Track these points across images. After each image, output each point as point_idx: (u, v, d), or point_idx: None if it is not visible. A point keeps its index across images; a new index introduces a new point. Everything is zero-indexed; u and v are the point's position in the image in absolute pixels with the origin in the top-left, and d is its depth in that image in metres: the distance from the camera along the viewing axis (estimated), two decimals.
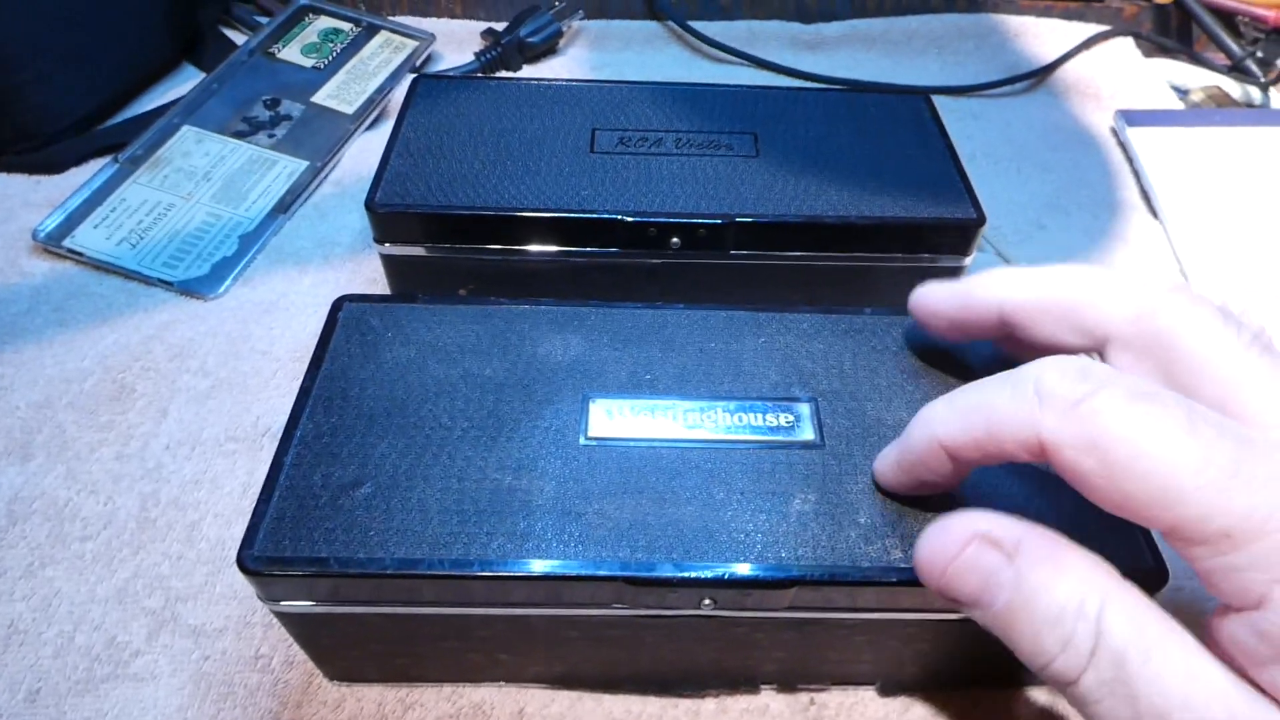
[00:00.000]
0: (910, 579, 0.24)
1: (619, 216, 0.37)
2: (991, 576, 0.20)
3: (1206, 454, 0.18)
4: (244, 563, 0.24)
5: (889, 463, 0.25)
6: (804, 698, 0.31)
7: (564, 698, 0.30)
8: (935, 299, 0.27)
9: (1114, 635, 0.19)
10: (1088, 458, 0.19)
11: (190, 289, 0.43)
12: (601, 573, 0.24)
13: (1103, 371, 0.19)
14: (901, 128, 0.42)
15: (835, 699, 0.31)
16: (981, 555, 0.21)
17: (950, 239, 0.38)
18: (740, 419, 0.28)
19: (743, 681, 0.31)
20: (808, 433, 0.27)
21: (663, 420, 0.27)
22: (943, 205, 0.38)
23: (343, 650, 0.29)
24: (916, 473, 0.24)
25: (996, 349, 0.29)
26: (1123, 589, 0.20)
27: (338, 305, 0.31)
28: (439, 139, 0.40)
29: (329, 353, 0.29)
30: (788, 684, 0.31)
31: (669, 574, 0.24)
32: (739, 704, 0.31)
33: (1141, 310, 0.22)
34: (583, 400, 0.28)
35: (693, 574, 0.24)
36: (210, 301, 0.43)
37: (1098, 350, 0.23)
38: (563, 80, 0.44)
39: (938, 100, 0.45)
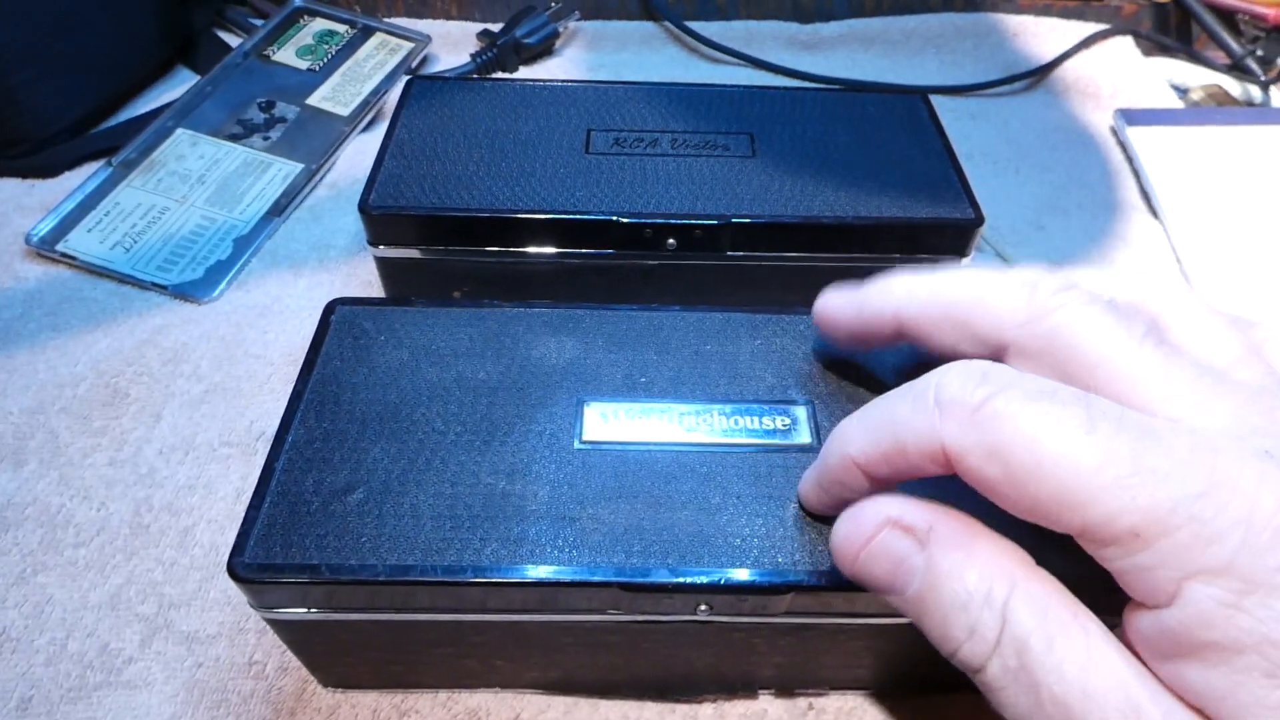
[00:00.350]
0: None
1: (614, 218, 0.36)
2: (902, 563, 0.20)
3: (1107, 450, 0.17)
4: (235, 570, 0.24)
5: (810, 484, 0.24)
6: (802, 703, 0.30)
7: (560, 703, 0.30)
8: (833, 307, 0.26)
9: (1018, 623, 0.18)
10: (991, 464, 0.18)
11: (184, 293, 0.43)
12: (596, 579, 0.24)
13: (1003, 374, 0.19)
14: (899, 127, 0.42)
15: (834, 704, 0.31)
16: (892, 542, 0.20)
17: (948, 239, 0.38)
18: (736, 422, 0.27)
19: (740, 687, 0.30)
20: (805, 436, 0.27)
21: (658, 423, 0.27)
22: (941, 205, 0.38)
23: (337, 657, 0.29)
24: (835, 492, 0.23)
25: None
26: (1032, 576, 0.19)
27: (330, 309, 0.30)
28: (433, 141, 0.40)
29: (321, 357, 0.29)
30: (786, 689, 0.31)
31: (664, 580, 0.24)
32: (736, 709, 0.30)
33: (1033, 313, 0.21)
34: (577, 404, 0.28)
35: (688, 580, 0.24)
36: (204, 305, 0.43)
37: (996, 358, 0.22)
38: (558, 81, 0.44)
39: (936, 100, 0.45)
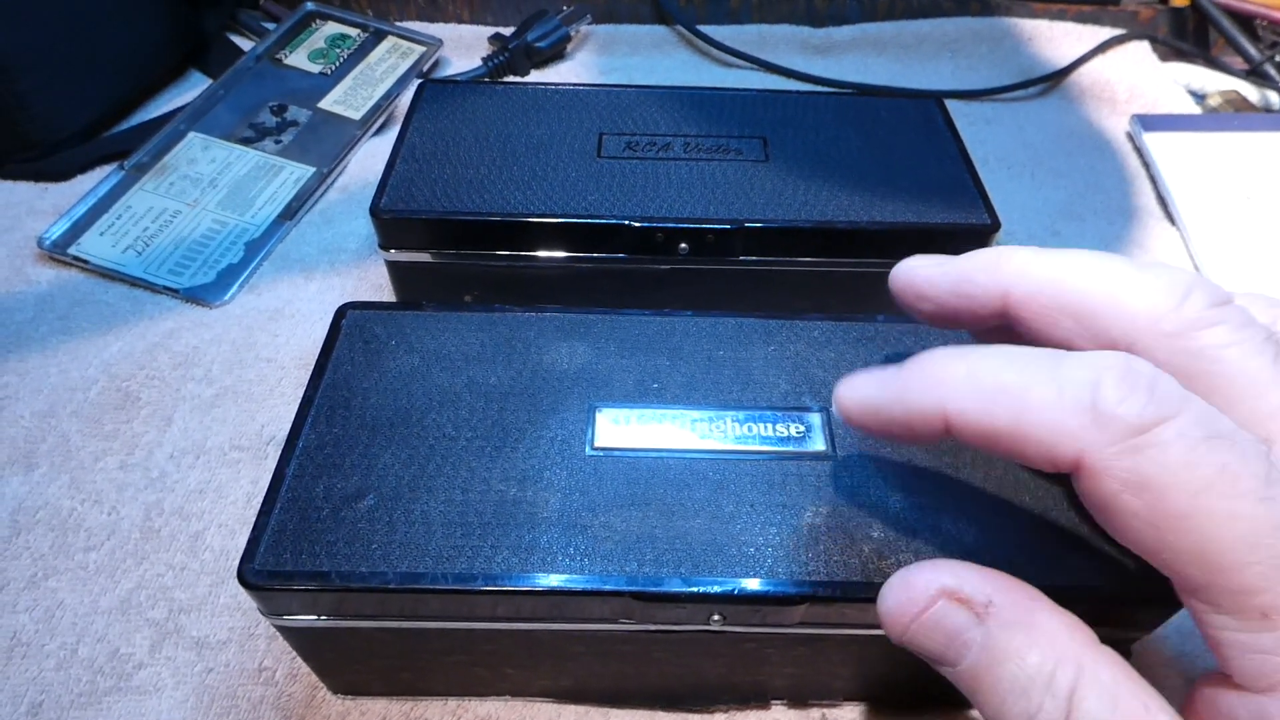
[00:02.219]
0: None
1: (626, 222, 0.36)
2: (957, 636, 0.19)
3: (1274, 522, 0.15)
4: (244, 577, 0.24)
5: (862, 401, 0.20)
6: (815, 714, 0.30)
7: (571, 712, 0.30)
8: (925, 277, 0.22)
9: (1086, 712, 0.17)
10: (1134, 497, 0.16)
11: (196, 296, 0.43)
12: (608, 588, 0.24)
13: (1172, 392, 0.16)
14: (913, 131, 0.41)
15: (848, 715, 0.30)
16: (948, 615, 0.19)
17: (964, 245, 0.36)
18: (750, 429, 0.27)
19: (753, 697, 0.30)
20: (819, 443, 0.27)
21: (670, 430, 0.27)
22: (956, 210, 0.37)
23: (346, 664, 0.28)
24: (893, 429, 0.20)
25: None
26: (1099, 659, 0.18)
27: (341, 313, 0.30)
28: (445, 144, 0.39)
29: (332, 361, 0.29)
30: (799, 699, 0.30)
31: (677, 589, 0.24)
32: (751, 717, 0.30)
33: (1181, 325, 0.18)
34: (589, 410, 0.27)
35: (701, 589, 0.24)
36: (216, 309, 0.43)
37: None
38: (569, 85, 0.44)
39: (950, 104, 0.44)
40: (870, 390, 0.20)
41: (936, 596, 0.19)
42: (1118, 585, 0.24)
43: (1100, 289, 0.19)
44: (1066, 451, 0.17)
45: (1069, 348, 0.20)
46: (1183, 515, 0.16)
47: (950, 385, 0.18)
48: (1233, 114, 0.56)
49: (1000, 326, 0.21)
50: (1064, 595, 0.22)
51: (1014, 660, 0.18)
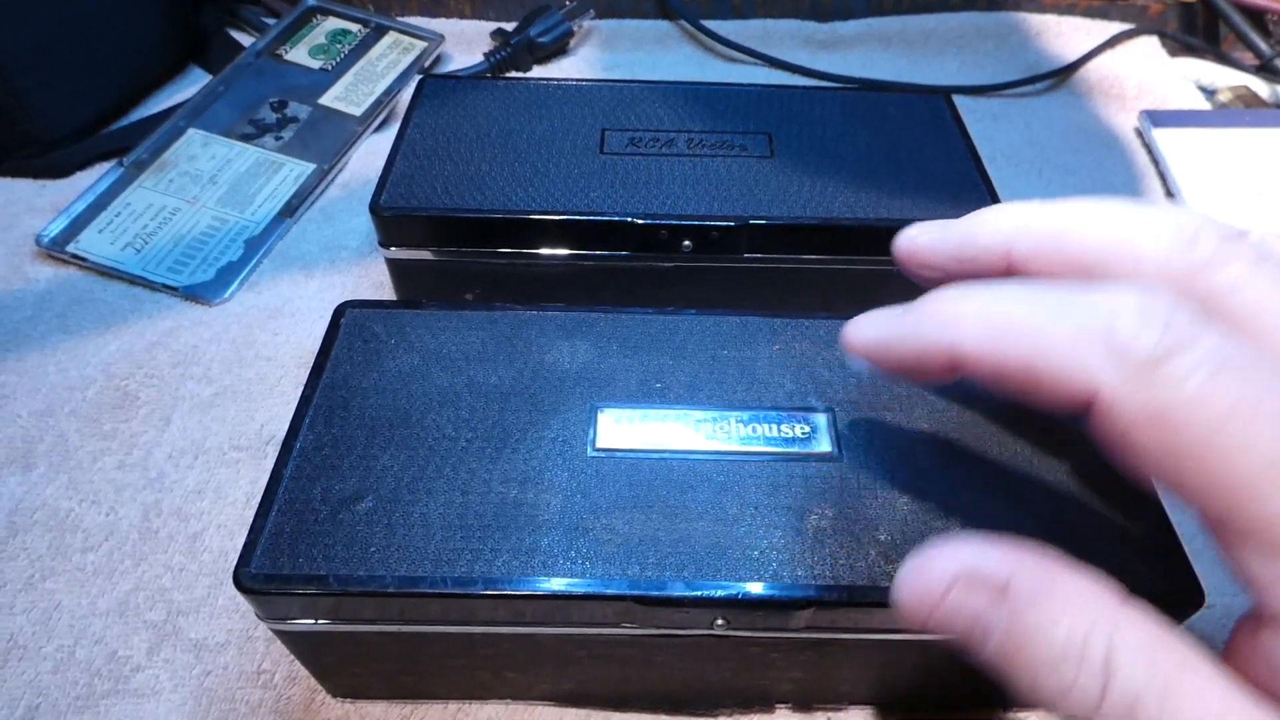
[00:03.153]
0: None
1: (629, 219, 0.36)
2: (979, 620, 0.18)
3: None
4: (241, 580, 0.23)
5: (873, 338, 0.20)
6: (820, 718, 0.30)
7: (572, 716, 0.30)
8: (927, 244, 0.22)
9: (1125, 678, 0.16)
10: (1149, 430, 0.16)
11: (195, 294, 0.43)
12: (610, 591, 0.23)
13: (1189, 322, 0.16)
14: (921, 128, 0.41)
15: (853, 719, 0.30)
16: (967, 600, 0.18)
17: None
18: (754, 429, 0.27)
19: (757, 701, 0.30)
20: (825, 444, 0.26)
21: (673, 431, 0.27)
22: (964, 207, 0.36)
23: (345, 668, 0.28)
24: (905, 364, 0.20)
25: None
26: (1131, 618, 0.17)
27: (340, 311, 0.30)
28: (445, 141, 0.39)
29: (330, 361, 0.28)
30: (804, 704, 0.30)
31: (680, 593, 0.23)
32: None
33: (1193, 265, 0.18)
34: (591, 410, 0.27)
35: (704, 594, 0.23)
36: (215, 307, 0.42)
37: None
38: (572, 80, 0.43)
39: (957, 100, 0.44)
40: (881, 326, 0.20)
41: (954, 581, 0.18)
42: (1133, 588, 0.23)
43: (1105, 236, 0.19)
44: (1081, 387, 0.16)
45: None
46: (1200, 446, 0.15)
47: (962, 322, 0.18)
48: (1243, 110, 0.56)
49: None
50: None
51: (1042, 636, 0.17)
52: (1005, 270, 0.20)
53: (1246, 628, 0.17)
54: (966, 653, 0.19)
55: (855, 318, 0.21)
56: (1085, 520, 0.24)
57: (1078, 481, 0.25)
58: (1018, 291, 0.18)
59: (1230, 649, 0.18)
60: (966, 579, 0.18)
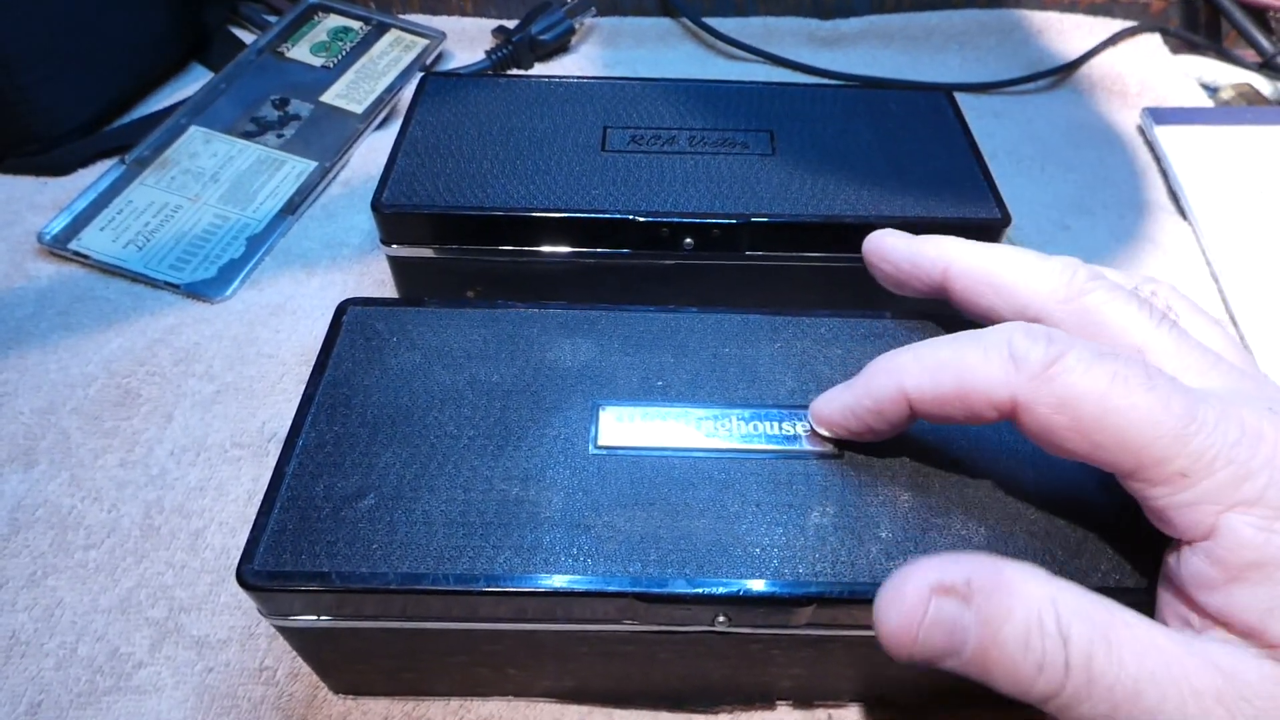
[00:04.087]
0: None
1: (630, 216, 0.36)
2: (955, 626, 0.20)
3: (1166, 403, 0.20)
4: (243, 577, 0.23)
5: (837, 407, 0.25)
6: (821, 715, 0.30)
7: (574, 712, 0.30)
8: (890, 244, 0.28)
9: (1079, 638, 0.19)
10: (1060, 415, 0.20)
11: (197, 292, 0.43)
12: (611, 589, 0.23)
13: (1064, 336, 0.21)
14: (922, 125, 0.41)
15: (854, 716, 0.30)
16: (942, 608, 0.21)
17: (974, 239, 0.37)
18: (756, 427, 0.27)
19: (758, 698, 0.30)
20: (826, 442, 0.26)
21: (675, 428, 0.27)
22: (966, 204, 0.37)
23: (347, 664, 0.28)
24: (868, 421, 0.24)
25: None
26: (1063, 588, 0.20)
27: (342, 309, 0.30)
28: (446, 138, 0.39)
29: (332, 358, 0.28)
30: (805, 700, 0.30)
31: (681, 590, 0.23)
32: (755, 718, 0.30)
33: (1070, 293, 0.24)
34: (592, 407, 0.27)
35: (706, 591, 0.23)
36: (217, 304, 0.42)
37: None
38: (573, 78, 0.43)
39: (959, 97, 0.44)
40: (841, 396, 0.25)
41: (929, 596, 0.21)
42: (1127, 583, 0.23)
43: (1014, 269, 0.25)
44: (1003, 396, 0.21)
45: (992, 315, 0.25)
46: (1098, 416, 0.20)
47: (906, 369, 0.23)
48: (1245, 107, 0.56)
49: (937, 297, 0.27)
50: None
51: (1007, 621, 0.20)
52: (940, 284, 0.26)
53: (1168, 553, 0.21)
54: (942, 666, 0.21)
55: (814, 401, 0.26)
56: (1080, 517, 0.25)
57: (1077, 474, 0.25)
58: (939, 339, 0.23)
59: (1163, 576, 0.22)
60: (937, 591, 0.21)
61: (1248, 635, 0.19)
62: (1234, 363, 0.23)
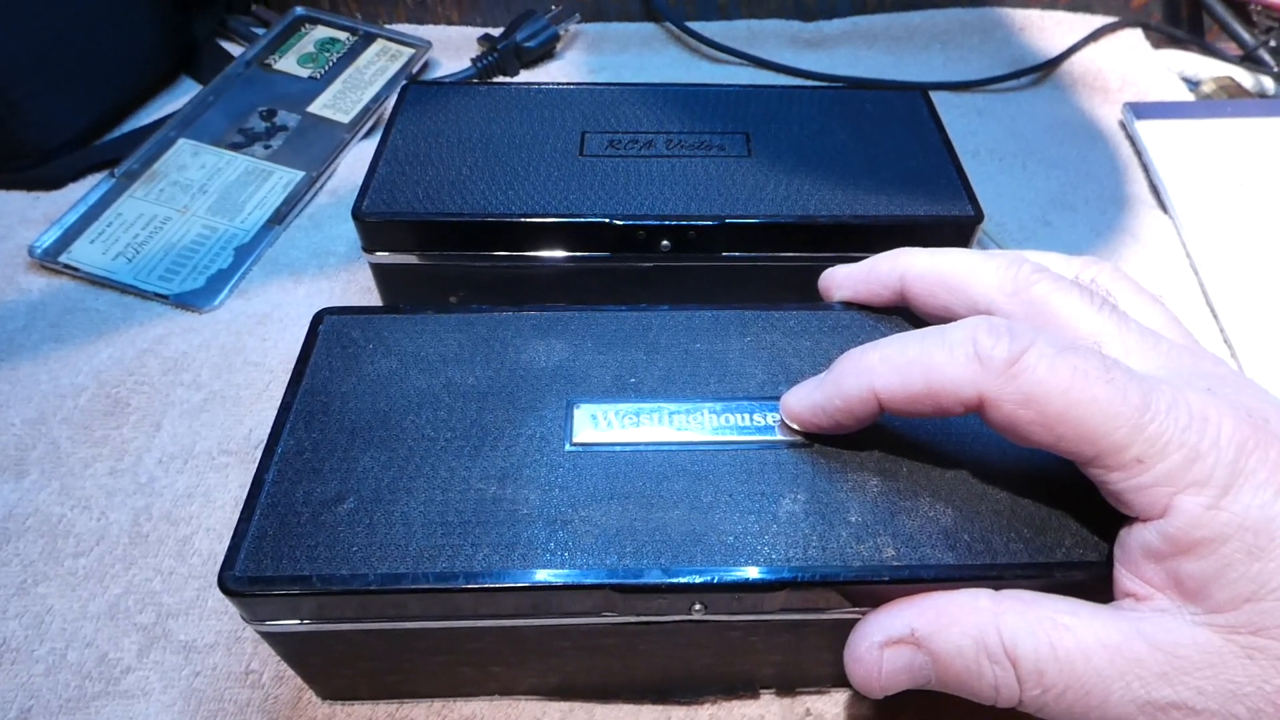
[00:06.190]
0: (904, 577, 0.24)
1: (607, 220, 0.36)
2: (913, 669, 0.23)
3: (1124, 394, 0.21)
4: (225, 583, 0.24)
5: (808, 405, 0.26)
6: (804, 701, 0.30)
7: (556, 709, 0.30)
8: (843, 273, 0.30)
9: (1024, 655, 0.22)
10: (1025, 409, 0.21)
11: (185, 302, 0.43)
12: (589, 581, 0.24)
13: (1024, 330, 0.22)
14: (898, 124, 0.41)
15: (837, 700, 0.30)
16: (896, 658, 0.23)
17: (947, 237, 0.37)
18: (727, 420, 0.27)
19: (740, 686, 0.30)
20: (796, 433, 0.27)
21: (648, 424, 0.27)
22: (939, 202, 0.37)
23: (331, 668, 0.28)
24: (838, 418, 0.25)
25: None
26: (1004, 607, 0.22)
27: (318, 319, 0.30)
28: (427, 146, 0.39)
29: (309, 367, 0.29)
30: (787, 687, 0.30)
31: (657, 580, 0.24)
32: (736, 709, 0.30)
33: (1017, 286, 0.25)
34: (567, 406, 0.27)
35: (681, 579, 0.24)
36: (205, 314, 0.43)
37: None
38: (552, 84, 0.44)
39: (941, 96, 0.44)
40: (811, 393, 0.26)
41: (880, 651, 0.23)
42: (1090, 557, 0.24)
43: (963, 269, 0.26)
44: (970, 393, 0.22)
45: (947, 314, 0.26)
46: (1062, 410, 0.21)
47: (874, 369, 0.24)
48: (1226, 100, 0.56)
49: (899, 308, 0.29)
50: (1038, 571, 0.24)
51: (957, 656, 0.22)
52: (899, 292, 0.28)
53: (1126, 532, 0.22)
54: (928, 694, 0.24)
55: (785, 396, 0.27)
56: (1045, 496, 0.25)
57: (1041, 457, 0.26)
58: (905, 337, 0.24)
59: (1121, 553, 0.23)
60: (884, 646, 0.23)
61: (1192, 599, 0.21)
62: (1174, 339, 0.25)
